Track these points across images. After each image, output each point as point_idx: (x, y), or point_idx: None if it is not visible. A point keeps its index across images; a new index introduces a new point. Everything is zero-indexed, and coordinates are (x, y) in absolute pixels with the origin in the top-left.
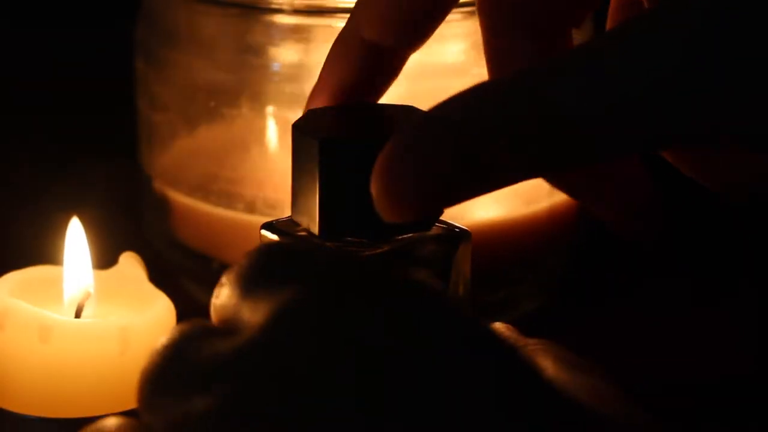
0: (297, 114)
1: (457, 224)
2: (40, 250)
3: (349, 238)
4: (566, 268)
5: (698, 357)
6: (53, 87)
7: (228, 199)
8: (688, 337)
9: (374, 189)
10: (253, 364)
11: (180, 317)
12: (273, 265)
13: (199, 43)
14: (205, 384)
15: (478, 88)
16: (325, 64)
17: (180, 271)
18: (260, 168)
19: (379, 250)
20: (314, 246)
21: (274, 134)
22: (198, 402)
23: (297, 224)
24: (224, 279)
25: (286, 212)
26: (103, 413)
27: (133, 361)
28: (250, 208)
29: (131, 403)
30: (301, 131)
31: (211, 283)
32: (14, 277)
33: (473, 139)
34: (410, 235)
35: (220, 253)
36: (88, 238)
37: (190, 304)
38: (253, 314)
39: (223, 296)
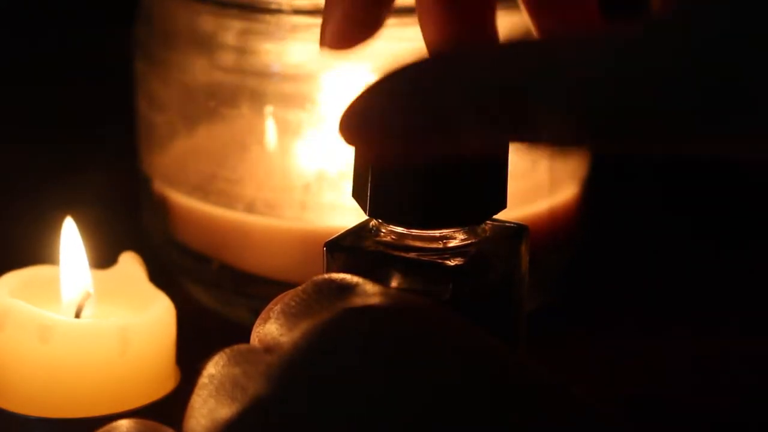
0: (297, 114)
1: (511, 221)
2: (39, 250)
3: (398, 228)
4: (566, 268)
5: (697, 356)
6: (52, 87)
7: (227, 199)
8: (687, 336)
9: (343, 114)
10: (276, 378)
11: (180, 317)
12: (318, 304)
13: (199, 44)
14: (234, 395)
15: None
16: (324, 3)
17: (180, 271)
18: (260, 168)
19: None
20: (362, 283)
21: (274, 134)
22: (223, 411)
23: (361, 235)
24: (271, 308)
25: (286, 212)
26: (103, 413)
27: (133, 361)
28: (250, 208)
29: (131, 403)
30: None
31: (211, 283)
32: (14, 277)
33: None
34: (461, 227)
35: (219, 253)
36: (87, 238)
37: (190, 304)
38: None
39: (268, 326)
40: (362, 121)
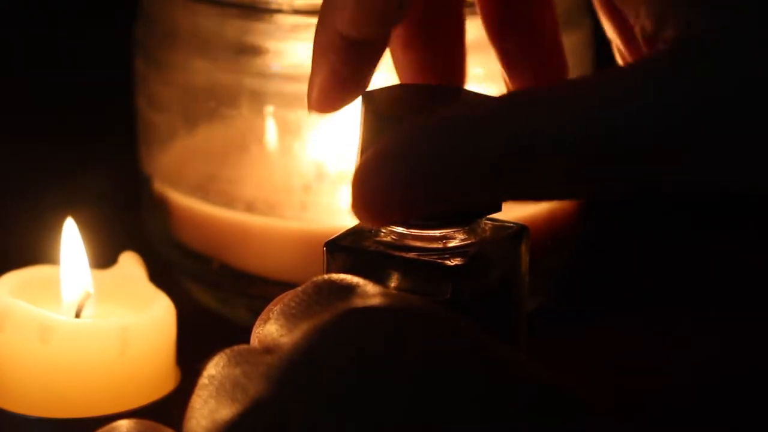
0: (297, 114)
1: (511, 221)
2: (39, 250)
3: (398, 228)
4: (566, 268)
5: (697, 357)
6: (52, 86)
7: (228, 199)
8: (687, 336)
9: (351, 193)
10: (276, 378)
11: (180, 317)
12: (318, 305)
13: (198, 43)
14: (234, 395)
15: (455, 118)
16: (312, 61)
17: (180, 271)
18: (260, 168)
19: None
20: (363, 283)
21: (274, 134)
22: (223, 412)
23: (360, 235)
24: (271, 308)
25: (286, 212)
26: (103, 413)
27: (133, 361)
28: (250, 208)
29: (131, 403)
30: (375, 108)
31: (211, 283)
32: (14, 277)
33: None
34: (457, 227)
35: (219, 253)
36: (87, 238)
37: (190, 304)
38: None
39: (268, 327)
40: (373, 199)
